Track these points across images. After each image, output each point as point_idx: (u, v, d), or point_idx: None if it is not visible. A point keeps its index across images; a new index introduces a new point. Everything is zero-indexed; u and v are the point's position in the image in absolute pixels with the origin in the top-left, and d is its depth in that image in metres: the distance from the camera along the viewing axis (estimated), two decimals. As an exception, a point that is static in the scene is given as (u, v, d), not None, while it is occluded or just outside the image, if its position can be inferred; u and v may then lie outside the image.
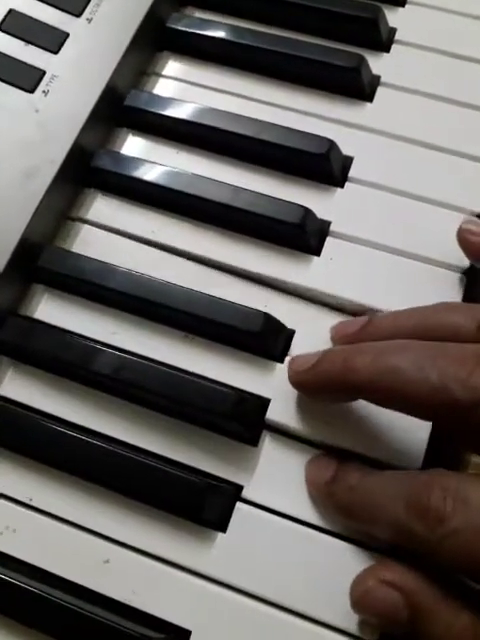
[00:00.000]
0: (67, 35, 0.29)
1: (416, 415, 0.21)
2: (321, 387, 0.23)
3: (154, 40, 0.31)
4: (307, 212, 0.26)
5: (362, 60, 0.30)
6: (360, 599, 0.21)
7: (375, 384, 0.21)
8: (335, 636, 0.22)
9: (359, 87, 0.30)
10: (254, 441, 0.24)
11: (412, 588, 0.20)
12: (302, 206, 0.27)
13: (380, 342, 0.22)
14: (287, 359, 0.25)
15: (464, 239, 0.26)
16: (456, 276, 0.27)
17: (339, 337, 0.25)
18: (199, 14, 0.32)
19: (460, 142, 0.29)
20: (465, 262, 0.27)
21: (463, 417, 0.19)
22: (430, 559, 0.20)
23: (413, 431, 0.24)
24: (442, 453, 0.24)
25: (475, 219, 0.27)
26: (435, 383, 0.19)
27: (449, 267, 0.27)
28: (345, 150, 0.29)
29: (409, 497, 0.20)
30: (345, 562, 0.22)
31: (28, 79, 0.27)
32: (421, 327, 0.22)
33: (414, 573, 0.20)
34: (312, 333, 0.26)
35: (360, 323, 0.24)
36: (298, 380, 0.24)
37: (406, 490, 0.20)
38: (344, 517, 0.22)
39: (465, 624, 0.19)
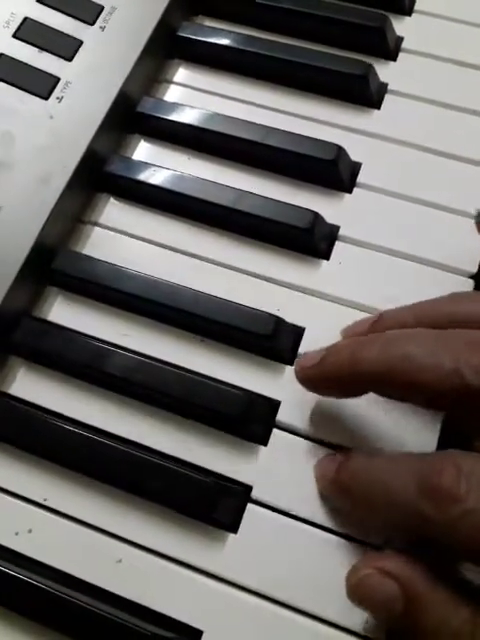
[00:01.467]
0: (81, 43, 0.29)
1: (427, 404, 0.21)
2: (329, 381, 0.22)
3: (165, 48, 0.32)
4: (316, 216, 0.27)
5: (370, 68, 0.30)
6: (355, 587, 0.20)
7: (386, 373, 0.20)
8: (345, 636, 0.22)
9: (367, 94, 0.30)
10: (264, 442, 0.24)
11: (409, 578, 0.19)
12: (311, 211, 0.27)
13: (388, 332, 0.22)
14: (297, 361, 0.25)
15: None
16: (463, 280, 0.27)
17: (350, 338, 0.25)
18: (209, 23, 0.33)
19: (466, 148, 0.30)
20: (473, 266, 0.27)
21: (475, 403, 0.19)
22: (441, 543, 0.19)
23: (422, 431, 0.24)
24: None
25: None
26: (448, 368, 0.19)
27: (456, 271, 0.27)
28: (353, 156, 0.29)
29: (420, 476, 0.19)
30: (355, 562, 0.22)
31: (43, 86, 0.28)
32: (433, 316, 0.22)
33: (413, 564, 0.19)
34: (321, 336, 0.26)
35: (370, 320, 0.24)
36: (305, 376, 0.23)
37: (417, 470, 0.19)
38: (352, 505, 0.22)
39: (465, 619, 0.18)
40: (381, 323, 0.23)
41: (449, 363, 0.19)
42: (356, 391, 0.22)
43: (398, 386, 0.20)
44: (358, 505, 0.22)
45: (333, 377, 0.22)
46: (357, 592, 0.20)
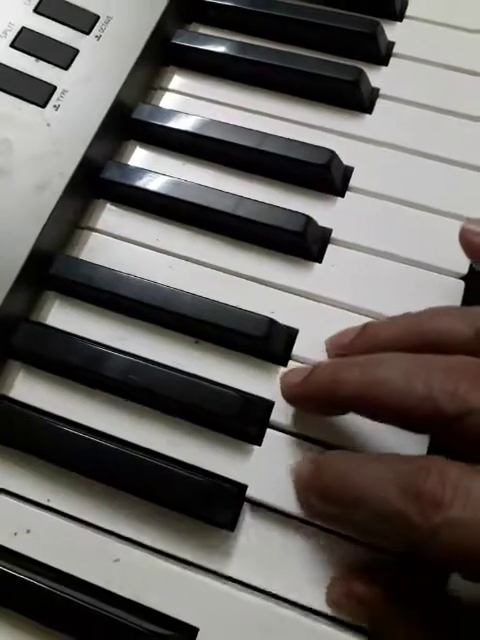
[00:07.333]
0: (77, 51, 0.30)
1: (404, 427, 0.21)
2: (311, 400, 0.23)
3: (160, 56, 0.32)
4: (309, 220, 0.27)
5: (361, 73, 0.31)
6: (331, 605, 0.22)
7: (363, 396, 0.21)
8: (338, 632, 0.22)
9: (359, 99, 0.31)
10: (259, 442, 0.25)
11: (374, 603, 0.21)
12: (304, 214, 0.27)
13: (368, 356, 0.22)
14: (290, 363, 0.26)
15: (466, 239, 0.26)
16: (455, 282, 0.27)
17: (334, 349, 0.25)
18: (203, 30, 0.34)
19: (456, 151, 0.30)
20: (464, 268, 0.27)
21: (450, 428, 0.19)
22: (420, 552, 0.18)
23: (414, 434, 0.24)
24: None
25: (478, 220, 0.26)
26: (422, 394, 0.19)
27: (448, 273, 0.28)
28: (346, 160, 0.30)
29: (402, 480, 0.18)
30: (351, 559, 0.23)
31: (40, 94, 0.28)
32: (416, 332, 0.23)
33: (379, 587, 0.21)
34: (314, 338, 0.26)
35: (354, 332, 0.24)
36: (290, 394, 0.24)
37: (399, 473, 0.19)
38: (328, 504, 0.21)
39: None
40: (365, 335, 0.24)
41: (423, 389, 0.19)
42: (337, 411, 0.23)
43: (374, 409, 0.21)
44: (333, 504, 0.21)
45: (315, 397, 0.23)
46: (334, 608, 0.22)
